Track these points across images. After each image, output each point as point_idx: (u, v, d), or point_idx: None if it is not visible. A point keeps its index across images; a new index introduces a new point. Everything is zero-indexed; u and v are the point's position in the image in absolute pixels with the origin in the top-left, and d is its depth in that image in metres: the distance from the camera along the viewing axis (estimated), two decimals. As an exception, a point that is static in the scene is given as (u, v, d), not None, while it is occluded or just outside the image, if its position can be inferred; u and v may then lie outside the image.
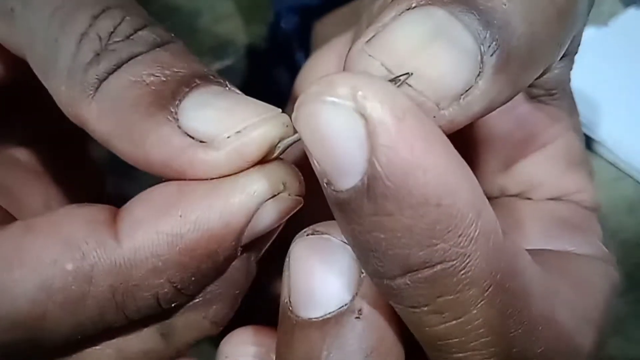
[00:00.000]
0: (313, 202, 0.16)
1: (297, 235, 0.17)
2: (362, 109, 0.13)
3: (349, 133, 0.13)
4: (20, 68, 0.19)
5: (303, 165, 0.16)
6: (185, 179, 0.16)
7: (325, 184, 0.14)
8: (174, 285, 0.16)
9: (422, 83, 0.14)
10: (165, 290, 0.16)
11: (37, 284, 0.16)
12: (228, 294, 0.18)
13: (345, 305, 0.16)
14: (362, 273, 0.16)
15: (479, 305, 0.14)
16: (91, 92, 0.16)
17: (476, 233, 0.14)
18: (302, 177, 0.17)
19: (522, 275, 0.15)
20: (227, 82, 0.17)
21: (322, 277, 0.16)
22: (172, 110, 0.16)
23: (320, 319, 0.16)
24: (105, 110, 0.16)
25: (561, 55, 0.18)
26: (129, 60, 0.16)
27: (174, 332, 0.18)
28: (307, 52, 0.38)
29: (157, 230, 0.16)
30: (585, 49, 0.47)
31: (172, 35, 0.18)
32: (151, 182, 0.17)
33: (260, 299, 0.24)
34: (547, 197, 0.22)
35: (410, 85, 0.14)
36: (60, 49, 0.17)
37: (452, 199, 0.13)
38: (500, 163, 0.23)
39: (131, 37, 0.17)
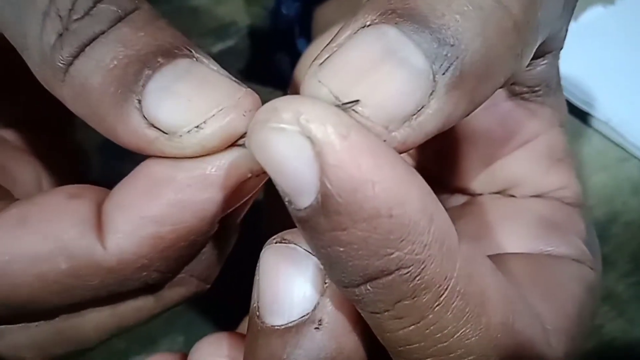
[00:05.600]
0: None
1: (267, 242, 0.17)
2: (307, 131, 0.13)
3: (298, 156, 0.13)
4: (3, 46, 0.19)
5: None
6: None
7: (287, 203, 0.14)
8: (160, 271, 0.17)
9: (370, 108, 0.14)
10: (153, 276, 0.17)
11: (34, 275, 0.17)
12: (212, 254, 0.19)
13: (307, 314, 0.16)
14: (326, 283, 0.16)
15: (435, 310, 0.15)
16: (60, 75, 0.16)
17: (429, 239, 0.14)
18: None
19: (479, 280, 0.15)
20: (196, 51, 0.17)
21: (287, 285, 0.16)
22: (137, 98, 0.16)
23: (283, 327, 0.16)
24: (76, 95, 0.16)
25: (527, 63, 0.17)
26: (91, 42, 0.16)
27: (163, 292, 0.19)
28: (308, 38, 0.38)
29: (139, 236, 0.16)
30: (593, 28, 0.47)
31: (135, 0, 0.17)
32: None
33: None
34: (529, 194, 0.22)
35: (357, 112, 0.14)
36: (27, 30, 0.17)
37: (403, 208, 0.13)
38: (482, 160, 0.22)
39: (90, 13, 0.16)
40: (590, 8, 0.45)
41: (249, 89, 0.17)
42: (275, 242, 0.17)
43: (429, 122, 0.15)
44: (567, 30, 0.20)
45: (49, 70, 0.17)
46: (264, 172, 0.16)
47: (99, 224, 0.17)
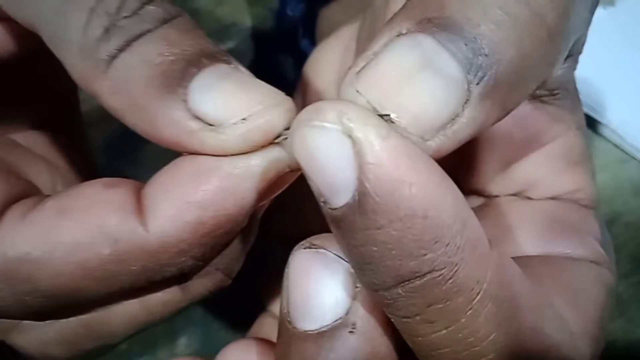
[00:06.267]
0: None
1: (295, 247, 0.17)
2: (349, 130, 0.14)
3: (338, 154, 0.14)
4: (30, 43, 0.19)
5: None
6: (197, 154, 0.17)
7: (321, 203, 0.15)
8: (197, 259, 0.18)
9: (406, 118, 0.15)
10: (189, 263, 0.18)
11: (76, 262, 0.17)
12: (237, 249, 0.20)
13: (340, 318, 0.16)
14: (357, 287, 0.16)
15: (467, 314, 0.15)
16: (103, 68, 0.17)
17: (462, 242, 0.14)
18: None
19: (510, 285, 0.16)
20: (232, 60, 0.18)
21: (319, 290, 0.17)
22: (182, 92, 0.17)
23: (316, 331, 0.16)
24: (117, 88, 0.17)
25: (559, 69, 0.18)
26: (138, 38, 0.17)
27: (190, 284, 0.20)
28: (312, 39, 0.38)
29: (181, 220, 0.17)
30: (593, 29, 0.47)
31: (179, 8, 0.18)
32: (150, 165, 0.18)
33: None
34: (545, 196, 0.22)
35: (393, 122, 0.15)
36: (70, 23, 0.17)
37: (438, 211, 0.14)
38: (499, 162, 0.23)
39: (139, 13, 0.17)
40: (587, 30, 0.45)
41: (286, 95, 0.17)
42: (304, 248, 0.17)
43: (462, 131, 0.15)
44: (587, 34, 0.20)
45: (89, 62, 0.17)
46: (298, 169, 0.17)
47: (139, 209, 0.17)
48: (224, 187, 0.17)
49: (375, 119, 0.14)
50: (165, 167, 0.18)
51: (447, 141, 0.15)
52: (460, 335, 0.15)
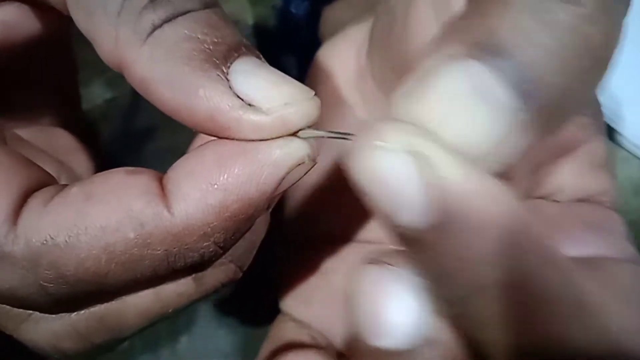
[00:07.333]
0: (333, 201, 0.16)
1: (362, 264, 0.17)
2: (413, 149, 0.14)
3: (404, 173, 0.14)
4: (52, 27, 0.20)
5: None
6: (219, 137, 0.18)
7: (389, 223, 0.15)
8: (218, 244, 0.18)
9: (455, 144, 0.15)
10: (211, 249, 0.18)
11: (102, 247, 0.17)
12: (250, 240, 0.20)
13: (419, 334, 0.16)
14: (431, 301, 0.16)
15: (549, 320, 0.15)
16: (144, 36, 0.17)
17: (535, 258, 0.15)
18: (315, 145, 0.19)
19: (585, 291, 0.16)
20: (261, 56, 0.18)
21: (394, 306, 0.17)
22: (225, 70, 0.17)
23: (396, 349, 0.17)
24: (156, 57, 0.17)
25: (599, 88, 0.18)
26: (183, 14, 0.17)
27: (204, 276, 0.20)
28: (316, 38, 0.37)
29: (205, 203, 0.17)
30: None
31: None
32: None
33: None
34: (572, 198, 0.22)
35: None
36: None
37: (512, 234, 0.14)
38: (528, 166, 0.23)
39: None
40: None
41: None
42: (371, 265, 0.17)
43: (509, 155, 0.15)
44: None
45: (129, 29, 0.17)
46: (313, 164, 0.18)
47: (163, 193, 0.17)
48: (248, 172, 0.17)
49: (437, 138, 0.14)
50: (188, 154, 0.18)
51: (493, 165, 0.15)
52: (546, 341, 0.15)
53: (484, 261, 0.14)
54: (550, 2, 0.15)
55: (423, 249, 0.15)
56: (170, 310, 0.20)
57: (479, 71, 0.15)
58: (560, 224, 0.22)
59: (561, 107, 0.15)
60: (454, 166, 0.14)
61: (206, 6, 0.18)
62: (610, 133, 0.41)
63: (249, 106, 0.17)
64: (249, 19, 0.45)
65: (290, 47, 0.40)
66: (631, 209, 0.38)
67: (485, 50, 0.15)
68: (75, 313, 0.19)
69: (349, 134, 0.17)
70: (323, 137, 0.18)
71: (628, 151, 0.41)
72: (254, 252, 0.21)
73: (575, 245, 0.21)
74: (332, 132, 0.18)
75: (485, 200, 0.14)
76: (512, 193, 0.15)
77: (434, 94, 0.15)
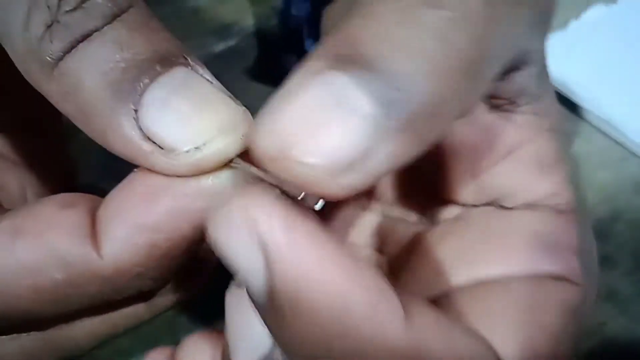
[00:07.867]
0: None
1: (229, 286, 0.18)
2: (253, 225, 0.14)
3: (245, 247, 0.14)
4: None
5: None
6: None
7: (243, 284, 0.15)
8: (155, 280, 0.17)
9: (317, 157, 0.14)
10: (148, 284, 0.17)
11: (29, 285, 0.17)
12: (203, 261, 0.20)
13: (267, 354, 0.17)
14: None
15: None
16: (49, 70, 0.16)
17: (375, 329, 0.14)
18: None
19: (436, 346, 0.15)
20: (191, 59, 0.16)
21: (247, 326, 0.17)
22: (133, 107, 0.15)
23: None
24: (64, 93, 0.16)
25: (485, 93, 0.17)
26: (83, 39, 0.15)
27: (155, 299, 0.20)
28: (316, 39, 0.38)
29: (134, 245, 0.16)
30: (595, 26, 0.47)
31: None
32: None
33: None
34: (521, 202, 0.21)
35: (303, 163, 0.14)
36: (11, 18, 0.16)
37: (345, 304, 0.14)
38: (469, 173, 0.22)
39: (83, 6, 0.16)
40: (592, 6, 0.45)
41: (244, 108, 0.17)
42: (235, 287, 0.18)
43: (377, 167, 0.14)
44: (544, 46, 0.20)
45: (35, 63, 0.16)
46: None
47: (93, 233, 0.16)
48: (176, 208, 0.16)
49: (281, 209, 0.14)
50: (119, 186, 0.17)
51: (359, 177, 0.14)
52: None
53: (314, 340, 0.14)
54: (413, 7, 0.15)
55: (263, 315, 0.15)
56: (120, 331, 0.20)
57: (340, 83, 0.14)
58: (503, 239, 0.21)
59: (434, 115, 0.15)
60: (285, 247, 0.14)
61: (113, 16, 0.16)
62: (594, 121, 0.41)
63: (161, 149, 0.16)
64: (249, 19, 0.45)
65: (291, 48, 0.41)
66: (632, 208, 0.38)
67: (348, 62, 0.14)
68: (26, 334, 0.19)
69: (283, 186, 0.16)
70: (255, 175, 0.16)
71: (611, 138, 0.40)
72: (211, 269, 0.20)
73: (514, 261, 0.20)
74: (266, 175, 0.16)
75: (317, 281, 0.14)
76: (351, 269, 0.14)
77: (295, 110, 0.14)
